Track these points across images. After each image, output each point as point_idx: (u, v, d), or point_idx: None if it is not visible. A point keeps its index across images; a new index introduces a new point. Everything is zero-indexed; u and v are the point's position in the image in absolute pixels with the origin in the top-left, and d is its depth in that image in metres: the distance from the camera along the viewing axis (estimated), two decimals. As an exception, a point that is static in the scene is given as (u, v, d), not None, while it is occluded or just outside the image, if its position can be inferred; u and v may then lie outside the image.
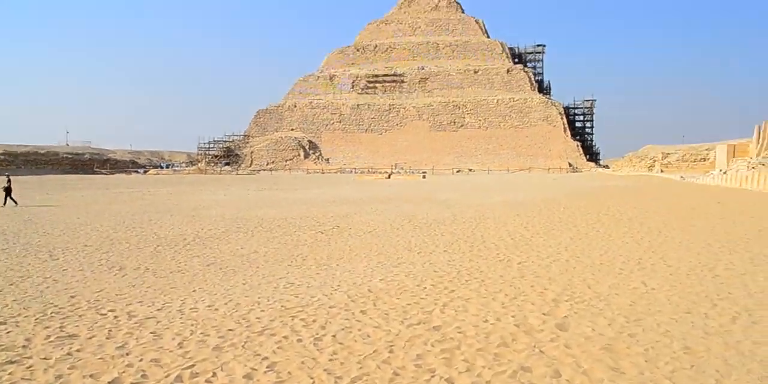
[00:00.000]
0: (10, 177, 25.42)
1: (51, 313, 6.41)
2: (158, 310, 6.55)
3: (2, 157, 77.06)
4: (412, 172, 73.56)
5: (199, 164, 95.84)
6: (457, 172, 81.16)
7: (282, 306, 6.65)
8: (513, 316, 6.10)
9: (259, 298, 7.09)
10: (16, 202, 23.05)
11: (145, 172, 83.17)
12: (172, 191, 35.91)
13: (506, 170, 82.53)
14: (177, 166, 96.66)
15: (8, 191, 23.29)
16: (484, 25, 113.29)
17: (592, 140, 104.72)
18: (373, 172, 75.69)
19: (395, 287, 7.55)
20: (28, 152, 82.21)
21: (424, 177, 62.54)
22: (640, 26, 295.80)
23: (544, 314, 6.17)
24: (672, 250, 10.39)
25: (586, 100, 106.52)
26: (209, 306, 6.70)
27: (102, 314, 6.36)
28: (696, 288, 7.34)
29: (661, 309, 6.35)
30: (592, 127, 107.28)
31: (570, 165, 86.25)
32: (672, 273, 8.28)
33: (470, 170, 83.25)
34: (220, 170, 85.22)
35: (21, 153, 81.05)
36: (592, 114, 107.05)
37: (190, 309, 6.58)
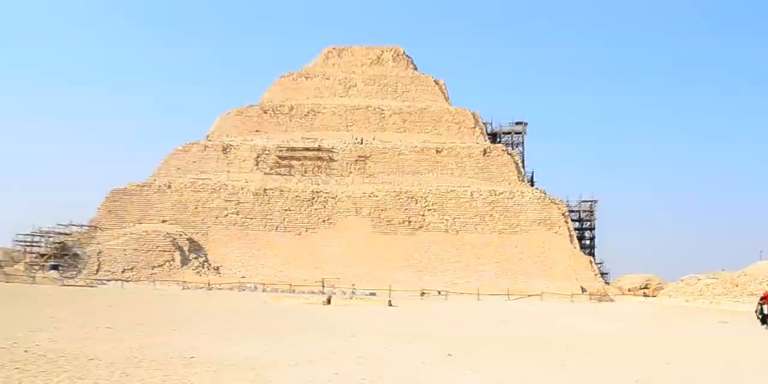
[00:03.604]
0: None
1: None
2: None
3: None
4: (362, 295, 57.45)
5: (15, 266, 76.29)
6: (422, 295, 64.55)
7: None
8: None
9: None
10: None
11: None
12: None
13: (504, 296, 65.45)
14: (-32, 269, 77.55)
15: None
16: (445, 89, 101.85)
17: (593, 255, 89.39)
18: (296, 293, 59.53)
19: None
20: None
21: (390, 304, 46.06)
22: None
23: None
24: None
25: (584, 201, 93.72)
26: None
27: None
28: None
29: None
30: (592, 238, 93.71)
31: (583, 289, 70.46)
32: None
33: (441, 293, 66.41)
34: (37, 277, 64.94)
35: None
36: (592, 220, 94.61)
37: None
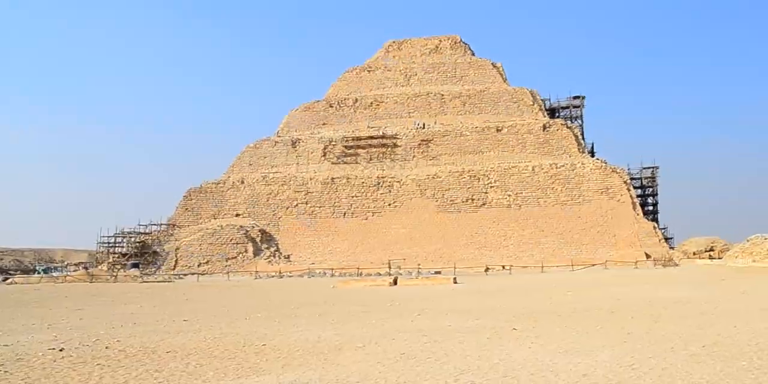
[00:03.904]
0: None
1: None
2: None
3: None
4: (427, 274, 56.34)
5: (99, 266, 78.35)
6: (486, 271, 63.51)
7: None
8: None
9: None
10: None
11: (4, 279, 63.66)
12: None
13: (568, 266, 63.22)
14: (57, 271, 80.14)
15: None
16: (503, 71, 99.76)
17: (656, 221, 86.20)
18: (363, 276, 58.96)
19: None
20: None
21: (455, 282, 44.90)
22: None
23: None
24: None
25: (646, 168, 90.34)
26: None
27: None
28: None
29: None
30: (655, 204, 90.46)
31: (648, 256, 68.48)
32: None
33: (505, 268, 65.46)
34: (119, 276, 65.36)
35: None
36: (654, 186, 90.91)
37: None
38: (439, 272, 58.77)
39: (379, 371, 11.66)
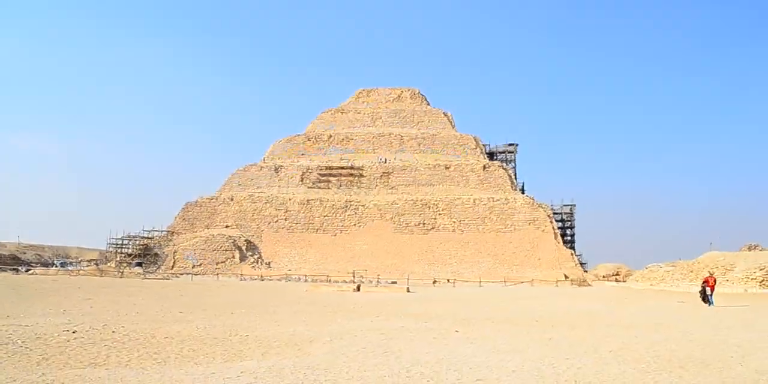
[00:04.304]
0: None
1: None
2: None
3: None
4: (385, 283, 56.04)
5: (108, 264, 77.30)
6: (434, 283, 63.11)
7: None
8: None
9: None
10: None
11: (27, 271, 62.25)
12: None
13: (501, 282, 63.81)
14: (72, 265, 78.32)
15: None
16: (452, 119, 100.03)
17: (573, 248, 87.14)
18: (331, 282, 57.63)
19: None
20: None
21: (408, 290, 44.60)
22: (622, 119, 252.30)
23: None
24: None
25: (566, 205, 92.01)
26: None
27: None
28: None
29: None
30: (573, 235, 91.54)
31: (566, 277, 68.25)
32: None
33: (449, 281, 64.94)
34: (125, 272, 64.16)
35: None
36: (572, 220, 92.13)
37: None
38: (395, 282, 58.52)
39: (343, 361, 11.56)
